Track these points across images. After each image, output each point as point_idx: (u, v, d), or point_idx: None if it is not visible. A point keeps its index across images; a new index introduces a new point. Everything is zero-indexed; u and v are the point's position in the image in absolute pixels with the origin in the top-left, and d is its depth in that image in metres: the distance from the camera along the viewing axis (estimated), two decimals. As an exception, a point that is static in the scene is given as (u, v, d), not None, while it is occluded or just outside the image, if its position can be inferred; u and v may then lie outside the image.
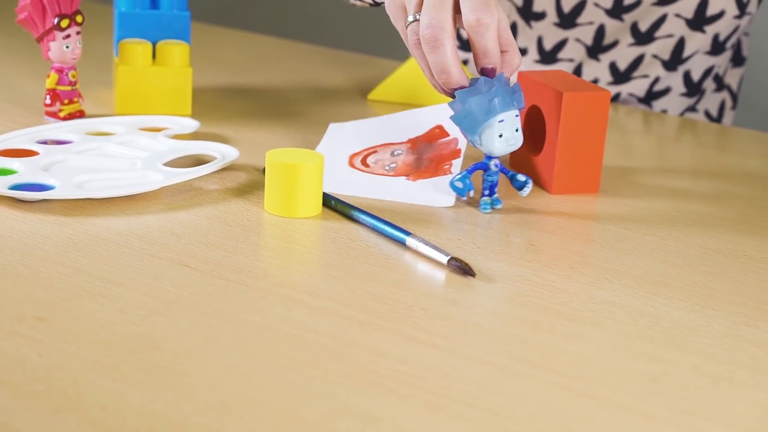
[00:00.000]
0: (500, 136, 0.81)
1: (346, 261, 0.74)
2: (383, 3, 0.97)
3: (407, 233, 0.77)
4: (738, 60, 1.31)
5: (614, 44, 1.21)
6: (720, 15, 1.19)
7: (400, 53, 1.74)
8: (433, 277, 0.73)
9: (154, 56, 1.04)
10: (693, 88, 1.25)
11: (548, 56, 1.22)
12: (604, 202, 0.89)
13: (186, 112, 1.03)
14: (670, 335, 0.66)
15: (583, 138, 0.89)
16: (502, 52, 0.82)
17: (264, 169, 0.88)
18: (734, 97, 1.32)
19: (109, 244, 0.74)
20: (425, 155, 0.91)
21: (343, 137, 0.97)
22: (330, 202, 0.83)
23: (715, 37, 1.21)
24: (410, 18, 0.81)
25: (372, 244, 0.77)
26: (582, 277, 0.74)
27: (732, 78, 1.31)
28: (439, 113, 0.94)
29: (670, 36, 1.20)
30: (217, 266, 0.72)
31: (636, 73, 1.23)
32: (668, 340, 0.66)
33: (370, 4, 1.01)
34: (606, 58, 1.22)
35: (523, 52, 1.24)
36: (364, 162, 0.92)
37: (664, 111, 1.25)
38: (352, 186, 0.87)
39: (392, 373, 0.60)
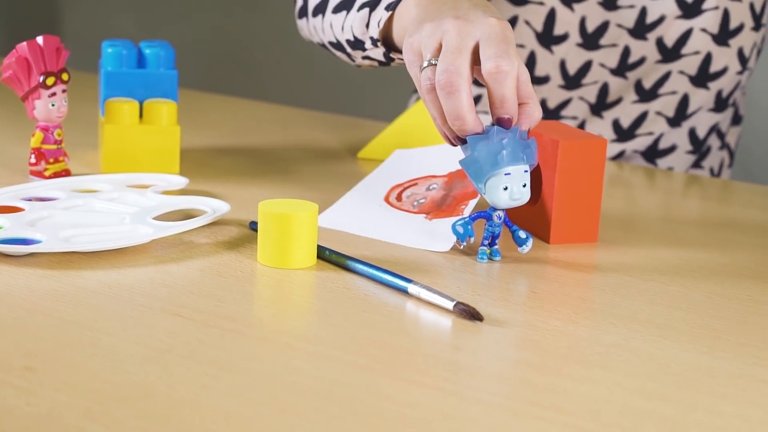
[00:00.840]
0: (505, 189, 0.79)
1: (344, 309, 0.72)
2: (394, 60, 0.96)
3: (409, 280, 0.75)
4: (736, 118, 1.30)
5: (618, 101, 1.21)
6: (723, 71, 1.19)
7: (387, 115, 1.74)
8: (436, 323, 0.71)
9: (141, 115, 1.02)
10: (698, 145, 1.24)
11: (551, 114, 1.21)
12: (604, 251, 0.87)
13: (174, 171, 1.02)
14: (681, 377, 0.64)
15: (580, 187, 0.88)
16: (521, 104, 0.80)
17: (252, 223, 0.86)
18: (732, 156, 1.32)
19: (99, 295, 0.72)
20: (453, 192, 0.90)
21: (399, 165, 0.97)
22: (324, 253, 0.81)
23: (719, 94, 1.21)
24: (425, 63, 0.80)
25: (370, 293, 0.75)
26: (587, 322, 0.72)
27: (731, 137, 1.30)
28: None
29: (674, 93, 1.20)
30: (211, 315, 0.69)
31: (640, 130, 1.22)
32: (681, 382, 0.63)
33: (380, 63, 0.99)
34: (609, 115, 1.22)
35: None
36: (399, 196, 0.92)
37: (670, 168, 1.24)
38: (355, 221, 0.88)
39: (398, 416, 0.57)
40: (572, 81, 1.20)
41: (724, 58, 1.18)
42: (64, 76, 0.96)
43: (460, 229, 0.82)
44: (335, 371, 0.62)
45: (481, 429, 0.56)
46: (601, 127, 1.22)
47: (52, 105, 0.96)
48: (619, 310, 0.74)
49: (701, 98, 1.21)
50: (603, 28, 1.17)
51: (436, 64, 0.79)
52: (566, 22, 1.17)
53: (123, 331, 0.66)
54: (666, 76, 1.19)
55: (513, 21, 1.17)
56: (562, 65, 1.19)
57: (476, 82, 1.20)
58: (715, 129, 1.25)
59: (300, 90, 2.57)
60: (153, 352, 0.63)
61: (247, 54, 2.68)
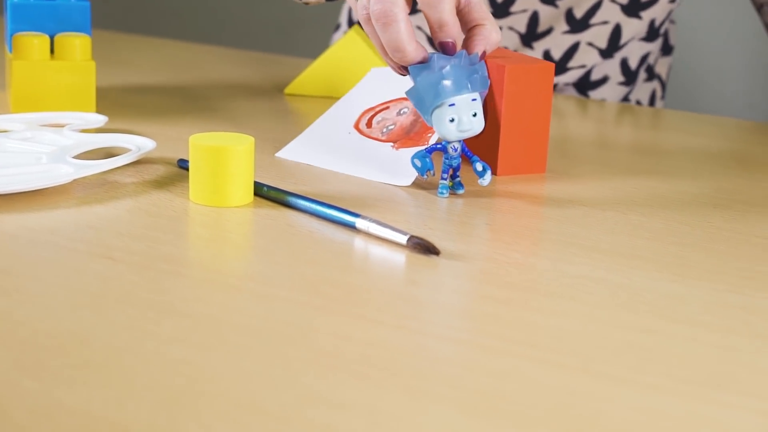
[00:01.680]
0: (452, 120, 0.74)
1: (289, 247, 0.67)
2: None
3: (357, 215, 0.69)
4: (666, 49, 1.27)
5: (549, 31, 1.16)
6: (655, 0, 1.15)
7: (309, 53, 1.67)
8: (389, 259, 0.66)
9: (52, 50, 0.95)
10: (630, 77, 1.21)
11: None
12: (554, 182, 0.83)
13: (90, 111, 0.95)
14: (655, 306, 0.60)
15: (528, 114, 0.83)
16: (476, 26, 0.75)
17: (181, 161, 0.80)
18: (663, 87, 1.29)
19: (19, 240, 0.65)
20: (421, 117, 0.85)
21: (372, 86, 0.91)
22: (262, 189, 0.75)
23: (651, 23, 1.17)
24: None
25: (314, 230, 0.70)
26: (548, 253, 0.68)
27: (662, 67, 1.27)
28: None
29: (605, 23, 1.16)
30: (145, 257, 0.63)
31: (572, 63, 1.18)
32: (655, 311, 0.60)
33: None
34: (540, 46, 1.17)
35: None
36: (369, 121, 0.86)
37: (603, 100, 1.20)
38: (319, 153, 0.83)
39: (361, 357, 0.52)
40: (500, 9, 1.15)
41: None
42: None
43: (418, 162, 0.77)
44: (288, 312, 0.57)
45: (452, 367, 0.52)
46: None
47: (-45, 39, 0.88)
48: (581, 240, 0.70)
49: (634, 28, 1.17)
50: None
51: None
52: None
53: (50, 277, 0.60)
54: (597, 5, 1.15)
55: None
56: None
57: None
58: (646, 60, 1.21)
59: (211, 30, 2.48)
60: (85, 297, 0.57)
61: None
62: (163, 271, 0.62)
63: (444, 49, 0.74)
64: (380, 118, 0.86)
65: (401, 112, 0.86)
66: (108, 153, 0.82)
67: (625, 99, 1.23)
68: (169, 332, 0.54)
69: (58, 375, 0.49)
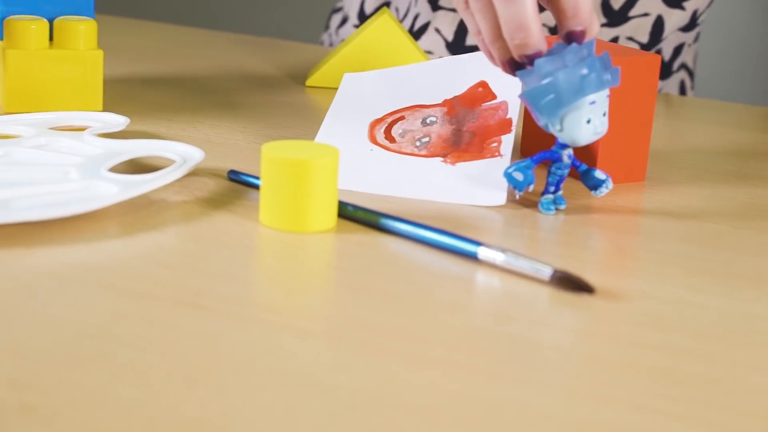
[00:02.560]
0: (588, 121, 0.62)
1: (405, 285, 0.54)
2: None
3: (477, 243, 0.57)
4: (697, 37, 1.17)
5: None
6: None
7: (307, 36, 1.54)
8: (529, 301, 0.54)
9: (51, 37, 0.81)
10: (664, 70, 1.10)
11: None
12: (660, 192, 0.72)
13: (96, 108, 0.81)
14: None
15: (631, 114, 0.72)
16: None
17: (232, 173, 0.67)
18: (692, 76, 1.18)
19: (62, 280, 0.52)
20: (466, 126, 0.72)
21: (362, 94, 0.77)
22: (347, 210, 0.62)
23: (694, 14, 1.07)
24: None
25: (425, 261, 0.58)
26: (715, 288, 0.57)
27: (688, 56, 1.17)
28: (482, 64, 0.72)
29: (646, 15, 1.05)
30: (238, 304, 0.51)
31: None
32: None
33: None
34: None
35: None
36: (388, 134, 0.73)
37: None
38: (373, 176, 0.68)
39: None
40: None
41: None
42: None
43: (519, 176, 0.64)
44: (435, 375, 0.45)
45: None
46: None
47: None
48: (737, 269, 0.59)
49: (676, 20, 1.06)
50: None
51: None
52: None
53: (125, 336, 0.47)
54: None
55: None
56: None
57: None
58: (680, 50, 1.11)
59: (203, 10, 2.32)
60: (185, 365, 0.45)
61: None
62: (266, 322, 0.49)
63: (574, 38, 0.63)
64: (401, 130, 0.74)
65: (427, 121, 0.74)
66: (140, 164, 0.69)
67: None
68: (281, 406, 0.41)
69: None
